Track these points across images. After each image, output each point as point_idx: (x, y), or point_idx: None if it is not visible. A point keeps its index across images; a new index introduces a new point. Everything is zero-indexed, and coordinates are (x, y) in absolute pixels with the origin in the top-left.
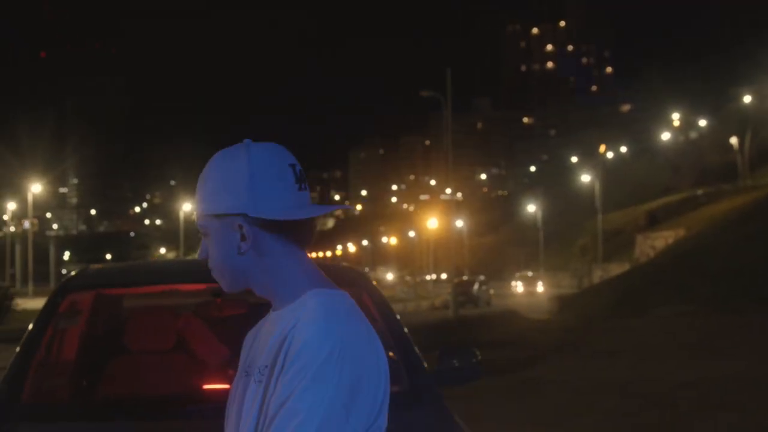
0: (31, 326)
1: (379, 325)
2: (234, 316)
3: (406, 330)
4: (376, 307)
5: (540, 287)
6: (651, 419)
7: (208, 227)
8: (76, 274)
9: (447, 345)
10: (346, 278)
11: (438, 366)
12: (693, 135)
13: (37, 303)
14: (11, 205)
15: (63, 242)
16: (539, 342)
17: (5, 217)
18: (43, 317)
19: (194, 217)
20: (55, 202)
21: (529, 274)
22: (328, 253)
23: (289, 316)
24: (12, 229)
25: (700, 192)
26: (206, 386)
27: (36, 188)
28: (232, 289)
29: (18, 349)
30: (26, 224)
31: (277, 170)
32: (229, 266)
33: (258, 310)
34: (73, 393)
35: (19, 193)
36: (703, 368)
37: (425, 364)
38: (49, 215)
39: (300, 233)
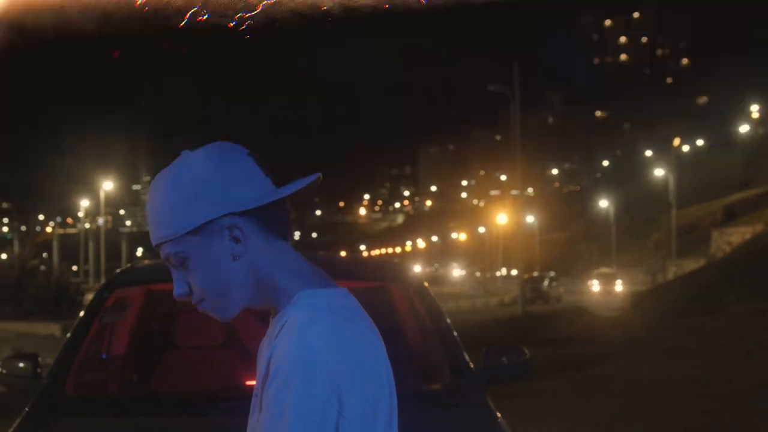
0: (77, 321)
1: (424, 322)
2: None
3: (454, 331)
4: (422, 304)
5: (619, 286)
6: (725, 420)
7: (186, 250)
8: (123, 270)
9: (492, 345)
10: (393, 275)
11: (484, 364)
12: None
13: None
14: (85, 203)
15: (136, 238)
16: (608, 339)
17: (80, 215)
18: (90, 312)
19: (159, 251)
20: (128, 199)
21: (607, 270)
22: (398, 249)
23: (278, 325)
24: (86, 225)
25: None
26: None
27: (108, 186)
28: (232, 312)
29: (64, 343)
30: (100, 221)
31: (237, 161)
32: (224, 282)
33: None
34: (120, 387)
35: (93, 191)
36: None
37: (470, 363)
38: (122, 212)
39: (280, 224)
